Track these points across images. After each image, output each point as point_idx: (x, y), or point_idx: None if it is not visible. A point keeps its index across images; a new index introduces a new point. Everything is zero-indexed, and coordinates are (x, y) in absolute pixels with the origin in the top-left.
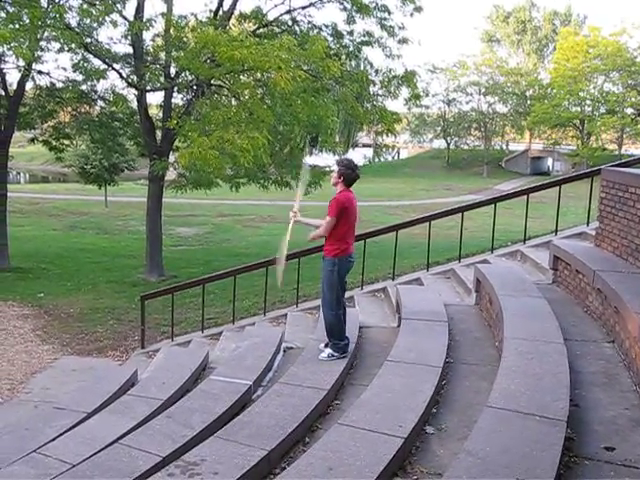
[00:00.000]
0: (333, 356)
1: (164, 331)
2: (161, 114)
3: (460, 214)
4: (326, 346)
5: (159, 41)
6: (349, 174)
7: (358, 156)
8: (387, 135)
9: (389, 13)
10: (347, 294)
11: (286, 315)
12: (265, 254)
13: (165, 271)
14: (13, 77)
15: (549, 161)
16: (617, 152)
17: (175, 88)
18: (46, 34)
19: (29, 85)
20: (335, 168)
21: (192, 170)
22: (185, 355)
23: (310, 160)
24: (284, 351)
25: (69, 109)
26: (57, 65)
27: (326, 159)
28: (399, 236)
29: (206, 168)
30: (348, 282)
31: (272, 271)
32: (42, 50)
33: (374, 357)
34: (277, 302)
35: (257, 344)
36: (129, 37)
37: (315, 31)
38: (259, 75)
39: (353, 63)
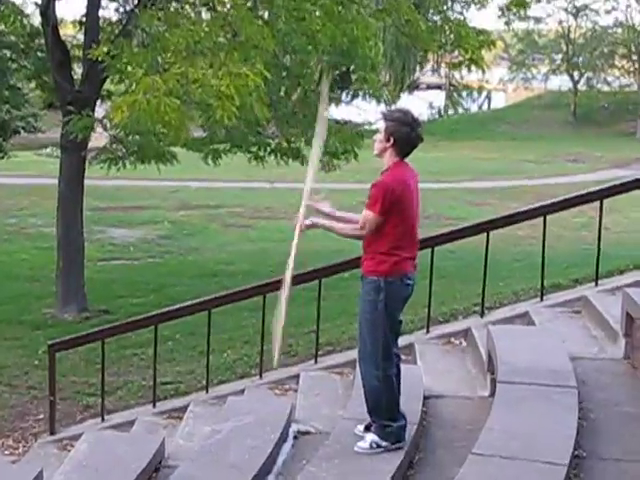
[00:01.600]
0: (379, 447)
1: (88, 404)
2: (82, 36)
3: (598, 203)
4: (367, 429)
5: None
6: (405, 134)
7: (419, 105)
8: (469, 69)
9: None
10: (401, 340)
11: (298, 377)
12: (259, 273)
13: (89, 303)
14: None
15: None
16: None
17: None
18: None
19: None
20: (381, 125)
21: (134, 132)
22: (124, 445)
23: (328, 110)
24: (295, 438)
25: None
26: None
27: (364, 110)
28: (492, 241)
29: (158, 128)
30: (404, 320)
31: (274, 303)
32: None
33: (450, 448)
34: (283, 355)
35: (248, 426)
36: None
37: None
38: None
39: None
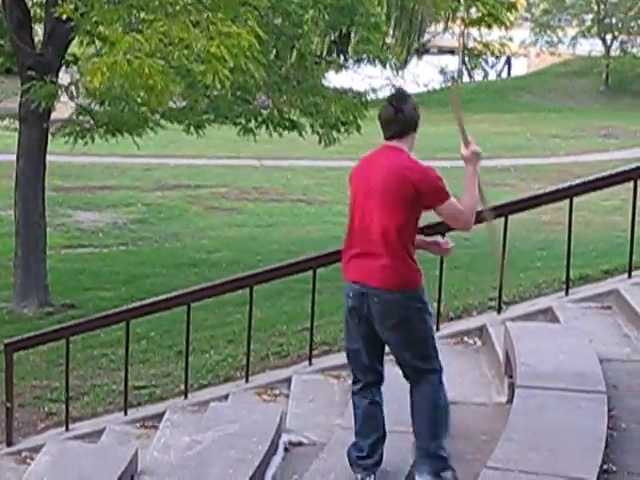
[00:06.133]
0: None
1: (51, 411)
2: None
3: (632, 184)
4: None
5: None
6: (416, 118)
7: (429, 72)
8: (489, 29)
9: None
10: None
11: (290, 380)
12: (246, 262)
13: (52, 296)
14: None
15: None
16: None
17: None
18: None
19: None
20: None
21: (110, 98)
22: (92, 458)
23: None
24: (285, 450)
25: None
26: None
27: (369, 77)
28: (512, 227)
29: (142, 93)
30: None
31: (262, 296)
32: None
33: (462, 461)
34: (272, 355)
35: (232, 437)
36: None
37: None
38: None
39: None
